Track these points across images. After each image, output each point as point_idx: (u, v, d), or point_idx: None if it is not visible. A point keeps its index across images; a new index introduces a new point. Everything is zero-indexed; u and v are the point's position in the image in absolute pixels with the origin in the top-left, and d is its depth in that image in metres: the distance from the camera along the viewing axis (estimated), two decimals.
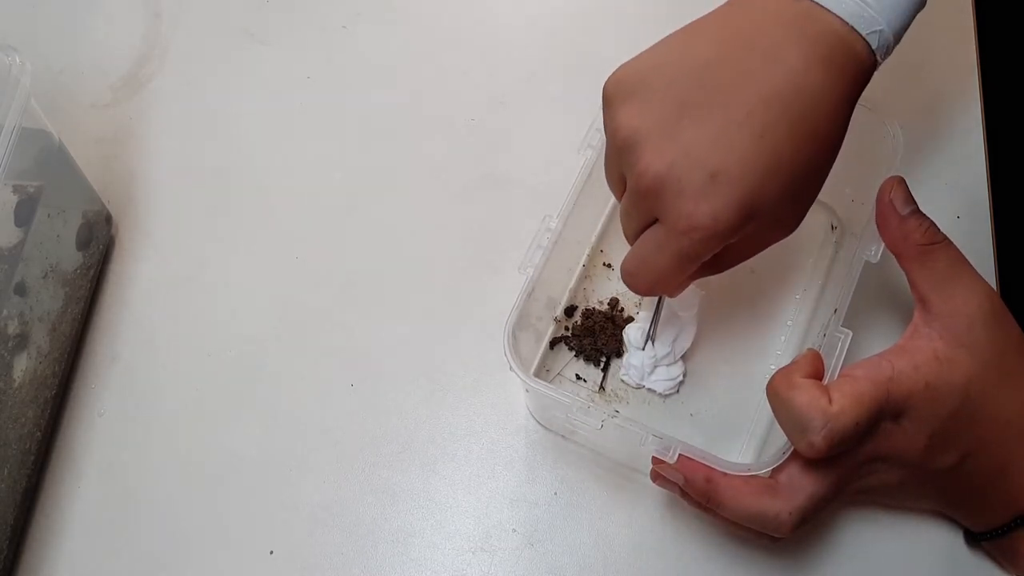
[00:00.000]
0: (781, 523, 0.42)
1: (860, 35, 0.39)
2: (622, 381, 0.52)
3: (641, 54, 0.41)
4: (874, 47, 0.39)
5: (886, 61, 0.41)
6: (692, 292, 0.50)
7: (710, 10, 0.41)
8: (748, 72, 0.38)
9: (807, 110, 0.38)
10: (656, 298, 0.50)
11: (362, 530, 0.51)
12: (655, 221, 0.40)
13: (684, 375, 0.52)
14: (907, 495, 0.47)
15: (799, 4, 0.39)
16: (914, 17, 0.41)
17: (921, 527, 0.49)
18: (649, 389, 0.52)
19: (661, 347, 0.51)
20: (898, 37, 0.40)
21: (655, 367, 0.51)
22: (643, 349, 0.51)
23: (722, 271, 0.44)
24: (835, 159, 0.41)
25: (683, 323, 0.51)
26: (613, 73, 0.41)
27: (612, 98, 0.41)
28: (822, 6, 0.39)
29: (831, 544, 0.49)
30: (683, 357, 0.52)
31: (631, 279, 0.43)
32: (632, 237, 0.42)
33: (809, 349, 0.43)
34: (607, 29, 0.64)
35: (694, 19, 0.41)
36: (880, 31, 0.39)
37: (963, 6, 0.62)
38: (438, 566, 0.50)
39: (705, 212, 0.38)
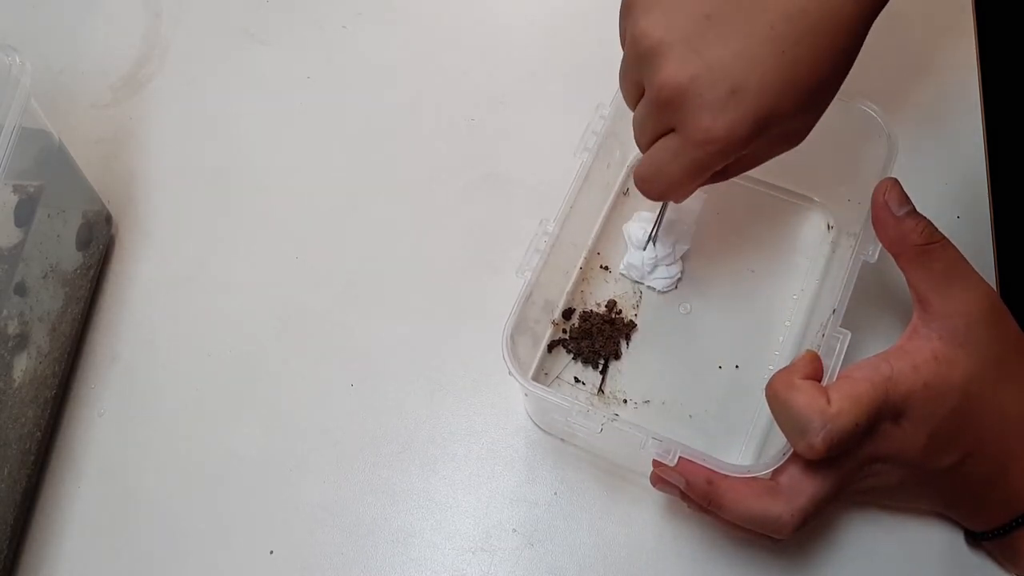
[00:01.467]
0: (782, 524, 0.42)
1: None
2: (621, 275, 0.55)
3: None
4: None
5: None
6: (695, 196, 0.50)
7: None
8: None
9: (828, 26, 0.38)
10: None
11: (362, 530, 0.51)
12: (670, 131, 0.41)
13: (682, 274, 0.54)
14: (907, 495, 0.47)
15: None
16: None
17: (921, 527, 0.49)
18: (648, 287, 0.54)
19: (662, 247, 0.53)
20: None
21: (655, 266, 0.53)
22: (644, 249, 0.53)
23: (727, 179, 0.46)
24: (847, 73, 0.41)
25: (684, 225, 0.54)
26: None
27: (634, 4, 0.41)
28: None
29: (832, 545, 0.49)
30: (682, 257, 0.54)
31: (644, 185, 0.44)
32: (646, 145, 0.43)
33: (807, 350, 0.43)
34: (607, 29, 0.64)
35: None
36: None
37: (963, 6, 0.62)
38: (438, 566, 0.50)
39: (722, 125, 0.39)
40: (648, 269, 0.53)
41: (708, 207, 0.55)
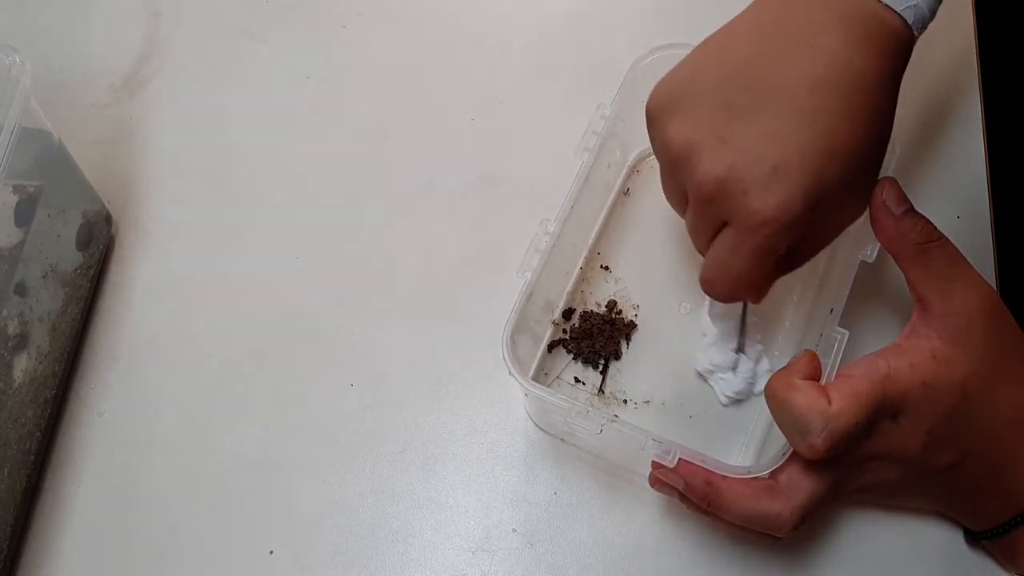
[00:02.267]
0: (782, 523, 0.42)
1: (895, 11, 0.39)
2: (726, 398, 0.51)
3: (678, 66, 0.42)
4: (910, 22, 0.39)
5: None
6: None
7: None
8: (788, 62, 0.39)
9: (854, 89, 0.38)
10: (739, 306, 0.50)
11: (362, 530, 0.51)
12: (723, 226, 0.41)
13: (768, 361, 0.52)
14: (906, 494, 0.47)
15: None
16: None
17: (921, 526, 0.49)
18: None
19: (752, 352, 0.51)
20: (933, 10, 0.41)
21: (756, 375, 0.51)
22: (735, 369, 0.51)
23: (799, 266, 0.44)
24: (890, 133, 0.41)
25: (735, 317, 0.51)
26: (654, 89, 0.42)
27: (657, 114, 0.42)
28: None
29: (831, 544, 0.49)
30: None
31: (711, 287, 0.43)
32: (704, 247, 0.43)
33: (806, 350, 0.43)
34: (607, 29, 0.64)
35: (723, 23, 0.42)
36: (914, 5, 0.39)
37: (963, 6, 0.62)
38: (438, 566, 0.50)
39: (772, 205, 0.38)
40: (748, 381, 0.51)
41: None
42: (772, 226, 0.39)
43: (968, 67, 0.61)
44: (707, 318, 0.52)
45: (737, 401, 0.51)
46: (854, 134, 0.39)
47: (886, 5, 0.39)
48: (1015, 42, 0.69)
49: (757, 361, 0.51)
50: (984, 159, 0.58)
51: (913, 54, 0.62)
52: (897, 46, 0.40)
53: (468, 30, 0.65)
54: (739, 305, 0.50)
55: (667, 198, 0.44)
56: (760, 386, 0.51)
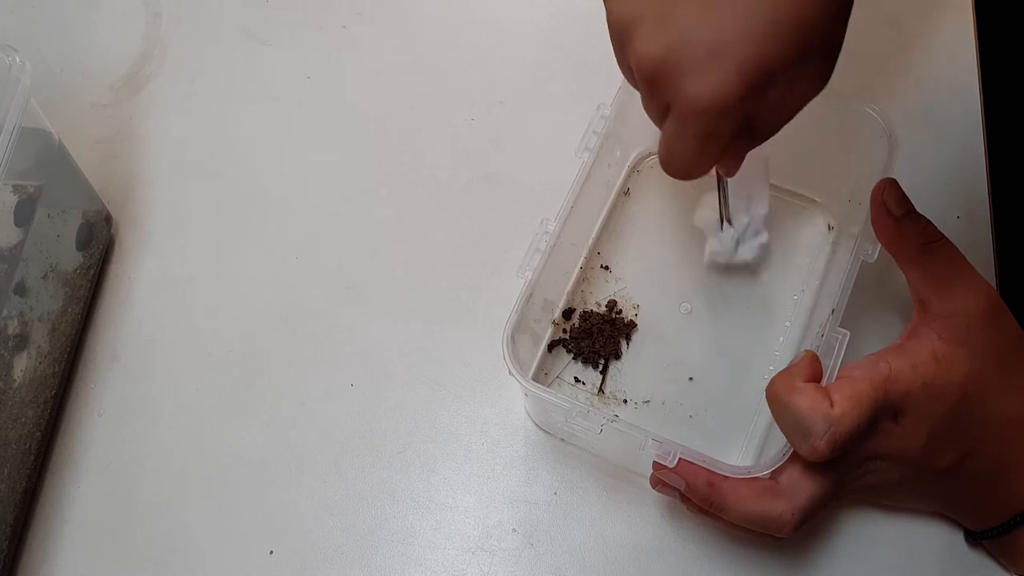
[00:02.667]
0: (784, 523, 0.42)
1: None
2: (710, 263, 0.53)
3: None
4: None
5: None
6: (754, 159, 0.47)
7: None
8: None
9: None
10: (716, 182, 0.50)
11: (362, 530, 0.51)
12: (668, 107, 0.39)
13: (768, 236, 0.53)
14: (906, 494, 0.47)
15: None
16: None
17: (922, 526, 0.49)
18: (741, 264, 0.53)
19: (738, 221, 0.51)
20: None
21: (738, 243, 0.52)
22: (721, 230, 0.52)
23: (767, 138, 0.42)
24: (849, 10, 0.38)
25: (752, 189, 0.51)
26: None
27: None
28: None
29: (832, 544, 0.49)
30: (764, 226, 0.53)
31: (666, 168, 0.41)
32: (658, 124, 0.41)
33: (807, 351, 0.43)
34: (606, 29, 0.64)
35: None
36: None
37: (963, 6, 0.62)
38: (438, 566, 0.50)
39: (707, 90, 0.36)
40: (732, 248, 0.52)
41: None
42: (709, 111, 0.37)
43: (968, 67, 0.61)
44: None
45: (718, 262, 0.53)
46: (801, 7, 0.36)
47: None
48: (1015, 42, 0.69)
49: (744, 229, 0.52)
50: (984, 159, 0.58)
51: (914, 54, 0.62)
52: None
53: (468, 30, 0.65)
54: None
55: (620, 69, 0.42)
56: (741, 255, 0.52)
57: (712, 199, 0.52)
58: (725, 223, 0.51)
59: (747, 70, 0.36)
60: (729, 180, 0.50)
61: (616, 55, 0.41)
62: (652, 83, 0.38)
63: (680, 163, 0.40)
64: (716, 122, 0.37)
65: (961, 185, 0.57)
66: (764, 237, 0.53)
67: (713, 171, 0.47)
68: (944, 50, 0.61)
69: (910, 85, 0.60)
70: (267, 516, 0.51)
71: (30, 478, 0.51)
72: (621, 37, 0.39)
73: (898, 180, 0.44)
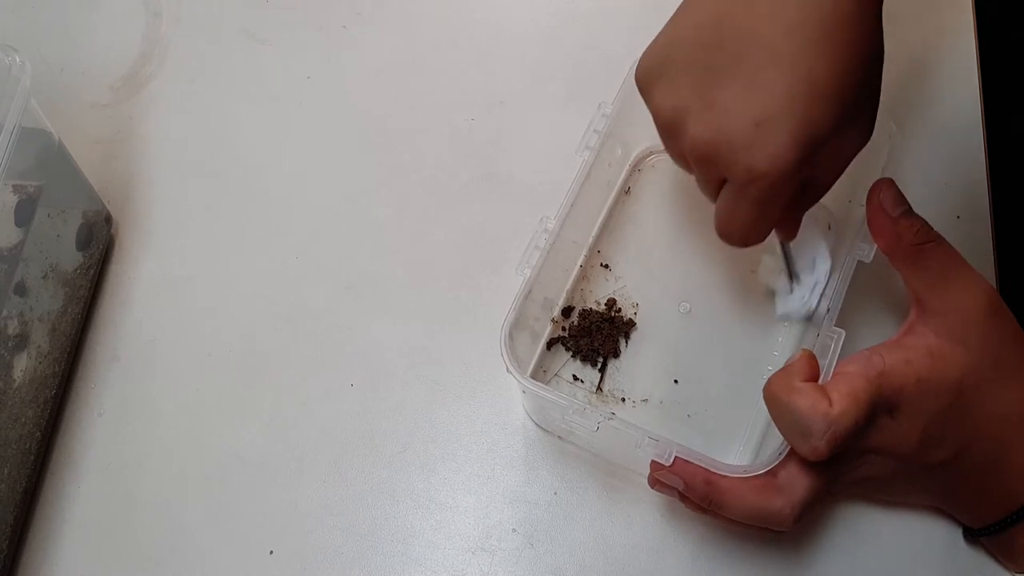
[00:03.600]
0: (783, 518, 0.42)
1: None
2: (787, 317, 0.53)
3: (656, 37, 0.42)
4: None
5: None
6: (812, 216, 0.49)
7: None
8: (759, 10, 0.38)
9: (828, 28, 0.38)
10: (779, 244, 0.51)
11: (362, 530, 0.51)
12: (724, 181, 0.41)
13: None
14: (902, 488, 0.47)
15: None
16: None
17: (921, 523, 0.49)
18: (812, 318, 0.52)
19: (808, 278, 0.52)
20: None
21: (808, 300, 0.52)
22: (792, 291, 0.52)
23: (819, 197, 0.44)
24: (881, 60, 0.40)
25: (815, 246, 0.52)
26: (637, 62, 0.42)
27: (644, 86, 0.42)
28: None
29: (831, 542, 0.49)
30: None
31: (726, 237, 0.43)
32: (712, 199, 0.43)
33: (803, 350, 0.43)
34: (607, 29, 0.64)
35: None
36: None
37: (963, 6, 0.62)
38: (438, 566, 0.50)
39: (762, 160, 0.38)
40: (802, 306, 0.52)
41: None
42: (766, 179, 0.39)
43: (968, 67, 0.61)
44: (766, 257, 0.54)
45: (792, 318, 0.52)
46: (837, 71, 0.38)
47: None
48: (1015, 42, 0.69)
49: (813, 286, 0.52)
50: (984, 159, 0.57)
51: (913, 53, 0.62)
52: None
53: (468, 30, 0.65)
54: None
55: (672, 159, 0.44)
56: (815, 308, 0.52)
57: (773, 256, 0.53)
58: (793, 283, 0.52)
59: (798, 135, 0.38)
60: (789, 246, 0.51)
61: (665, 145, 0.43)
62: (707, 163, 0.40)
63: (740, 231, 0.42)
64: (774, 189, 0.39)
65: (961, 185, 0.57)
66: (820, 290, 0.52)
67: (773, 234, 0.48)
68: (944, 50, 0.61)
69: (910, 85, 0.60)
70: (267, 516, 0.51)
71: (30, 478, 0.52)
72: (669, 130, 0.41)
73: (897, 181, 0.44)
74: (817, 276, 0.52)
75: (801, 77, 0.37)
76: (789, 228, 0.46)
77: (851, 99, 0.39)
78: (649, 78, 0.41)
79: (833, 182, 0.43)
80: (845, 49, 0.38)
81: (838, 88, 0.38)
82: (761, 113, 0.38)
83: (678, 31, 0.41)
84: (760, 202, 0.40)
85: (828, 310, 0.45)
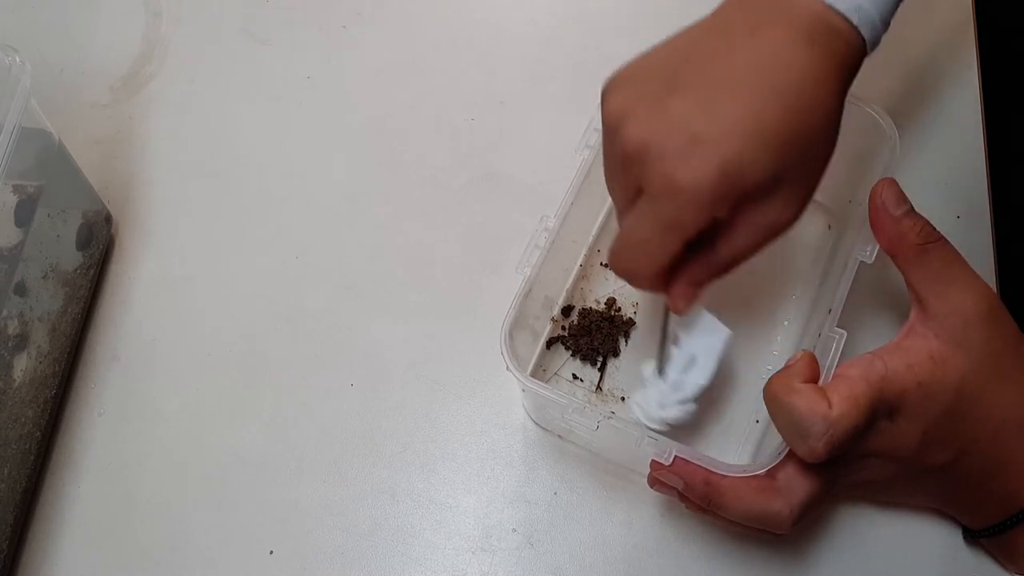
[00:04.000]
0: (782, 520, 0.42)
1: (840, 13, 0.39)
2: (636, 420, 0.47)
3: (637, 57, 0.42)
4: (855, 23, 0.39)
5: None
6: (713, 325, 0.46)
7: (708, 10, 0.42)
8: (733, 49, 0.39)
9: (792, 82, 0.38)
10: (662, 321, 0.48)
11: (362, 530, 0.51)
12: (640, 192, 0.40)
13: (692, 415, 0.47)
14: (902, 490, 0.47)
15: None
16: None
17: (921, 525, 0.49)
18: (654, 428, 0.46)
19: (672, 376, 0.46)
20: (885, 17, 0.41)
21: (662, 403, 0.46)
22: (647, 386, 0.47)
23: (723, 268, 0.42)
24: (831, 146, 0.40)
25: (700, 351, 0.46)
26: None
27: (604, 92, 0.42)
28: None
29: (831, 542, 0.49)
30: (696, 399, 0.46)
31: (614, 257, 0.42)
32: (621, 215, 0.42)
33: (804, 351, 0.43)
34: (606, 29, 0.64)
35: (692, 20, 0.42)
36: (859, 6, 0.39)
37: (963, 6, 0.62)
38: (438, 566, 0.50)
39: (685, 174, 0.37)
40: (652, 405, 0.46)
41: None
42: (681, 195, 0.38)
43: (968, 67, 0.61)
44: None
45: (647, 425, 0.47)
46: (785, 123, 0.38)
47: (830, 6, 0.39)
48: (1015, 42, 0.69)
49: (672, 388, 0.46)
50: (984, 159, 0.58)
51: (913, 54, 0.62)
52: (845, 50, 0.40)
53: (468, 30, 0.65)
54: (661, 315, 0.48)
55: (605, 174, 0.43)
56: (670, 414, 0.46)
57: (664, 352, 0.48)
58: (656, 373, 0.47)
59: (726, 163, 0.37)
60: (679, 332, 0.47)
61: (604, 158, 0.42)
62: (631, 163, 0.39)
63: (632, 249, 0.41)
64: (685, 210, 0.38)
65: (961, 185, 0.57)
66: (691, 407, 0.46)
67: (662, 309, 0.47)
68: (944, 50, 0.61)
69: (910, 85, 0.60)
70: (267, 516, 0.51)
71: (30, 478, 0.51)
72: (610, 128, 0.41)
73: (898, 180, 0.44)
74: (686, 380, 0.46)
75: (749, 114, 0.38)
76: (682, 294, 0.43)
77: (789, 157, 0.39)
78: (611, 85, 0.42)
79: (747, 253, 0.42)
80: (799, 108, 0.38)
81: (780, 139, 0.38)
82: (702, 131, 0.38)
83: (653, 52, 0.42)
84: (664, 222, 0.39)
85: (830, 310, 0.45)
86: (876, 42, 0.41)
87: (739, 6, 0.41)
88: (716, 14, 0.42)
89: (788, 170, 0.39)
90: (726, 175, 0.37)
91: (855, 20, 0.39)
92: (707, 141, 0.37)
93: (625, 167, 0.40)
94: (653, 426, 0.46)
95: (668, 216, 0.39)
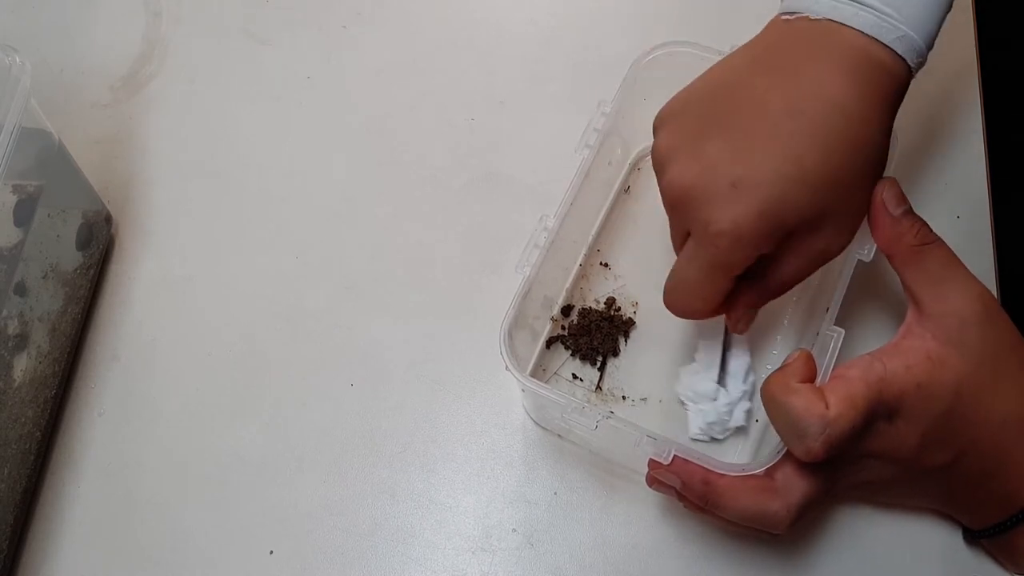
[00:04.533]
0: (779, 521, 0.42)
1: (883, 44, 0.39)
2: (695, 439, 0.49)
3: (686, 86, 0.44)
4: (900, 52, 0.40)
5: None
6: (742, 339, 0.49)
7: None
8: (774, 87, 0.40)
9: (834, 120, 0.39)
10: (721, 337, 0.49)
11: (362, 530, 0.51)
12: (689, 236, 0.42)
13: (751, 405, 0.49)
14: (900, 492, 0.47)
15: (818, 24, 0.40)
16: (944, 17, 0.42)
17: (920, 525, 0.49)
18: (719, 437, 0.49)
19: (734, 387, 0.49)
20: (929, 39, 0.41)
21: (732, 410, 0.49)
22: (716, 399, 0.49)
23: (778, 292, 0.44)
24: (880, 169, 0.41)
25: (741, 352, 0.50)
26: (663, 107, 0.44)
27: (655, 128, 0.44)
28: (841, 23, 0.40)
29: (831, 542, 0.49)
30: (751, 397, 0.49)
31: (668, 297, 0.45)
32: (676, 249, 0.44)
33: (801, 350, 0.43)
34: (606, 29, 0.64)
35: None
36: (903, 36, 0.40)
37: (963, 6, 0.62)
38: (438, 566, 0.50)
39: (727, 217, 0.39)
40: (726, 419, 0.49)
41: None
42: (724, 239, 0.39)
43: (968, 67, 0.61)
44: (700, 343, 0.51)
45: (709, 437, 0.49)
46: (827, 164, 0.39)
47: (873, 38, 0.39)
48: (1015, 42, 0.69)
49: (739, 399, 0.49)
50: (984, 159, 0.57)
51: None
52: (888, 80, 0.40)
53: (468, 30, 0.65)
54: (722, 332, 0.50)
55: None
56: (736, 421, 0.49)
57: (693, 368, 0.50)
58: (720, 388, 0.49)
59: (767, 207, 0.39)
60: (732, 343, 0.50)
61: (660, 188, 0.44)
62: (676, 208, 0.41)
63: (686, 290, 0.43)
64: (730, 252, 0.40)
65: (961, 185, 0.57)
66: (747, 406, 0.49)
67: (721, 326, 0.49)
68: (944, 50, 0.61)
69: (910, 85, 0.60)
70: (267, 516, 0.51)
71: (30, 478, 0.52)
72: (658, 167, 0.43)
73: (897, 180, 0.44)
74: (746, 388, 0.49)
75: (789, 158, 0.39)
76: (741, 317, 0.46)
77: (833, 194, 0.40)
78: (661, 121, 0.43)
79: (798, 278, 0.43)
80: (842, 146, 0.39)
81: (822, 179, 0.39)
82: (741, 176, 0.39)
83: (701, 83, 0.43)
84: (711, 265, 0.41)
85: (828, 309, 0.45)
86: (922, 65, 0.42)
87: (783, 35, 0.42)
88: (761, 42, 0.43)
89: (833, 206, 0.40)
90: (766, 217, 0.39)
91: (900, 50, 0.40)
92: (746, 186, 0.39)
93: (670, 211, 0.42)
94: (716, 436, 0.49)
95: (713, 259, 0.41)
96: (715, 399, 0.49)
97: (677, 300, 0.44)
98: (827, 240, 0.42)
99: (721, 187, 0.39)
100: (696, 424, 0.49)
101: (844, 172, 0.40)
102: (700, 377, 0.50)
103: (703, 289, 0.42)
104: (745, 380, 0.50)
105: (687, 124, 0.42)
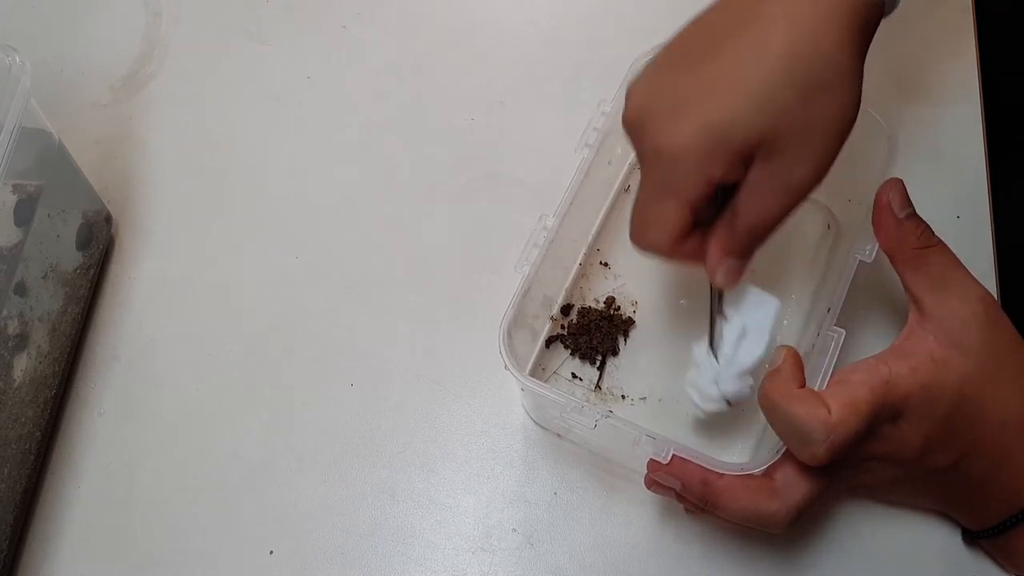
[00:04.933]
0: (778, 521, 0.42)
1: None
2: (697, 409, 0.47)
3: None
4: None
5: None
6: (761, 298, 0.46)
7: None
8: (725, 18, 0.40)
9: (783, 38, 0.38)
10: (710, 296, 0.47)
11: (362, 530, 0.51)
12: None
13: (752, 388, 0.46)
14: (902, 492, 0.47)
15: None
16: None
17: (920, 525, 0.49)
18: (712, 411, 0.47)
19: (727, 352, 0.46)
20: None
21: (717, 382, 0.46)
22: (701, 368, 0.47)
23: (750, 234, 0.41)
24: (847, 101, 0.39)
25: (758, 325, 0.46)
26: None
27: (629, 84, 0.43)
28: None
29: (831, 542, 0.49)
30: (752, 372, 0.46)
31: (630, 230, 0.43)
32: None
33: (785, 349, 0.43)
34: (606, 29, 0.64)
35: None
36: None
37: (963, 6, 0.62)
38: (438, 566, 0.50)
39: (670, 137, 0.38)
40: (709, 382, 0.46)
41: None
42: (664, 156, 0.38)
43: (968, 67, 0.61)
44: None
45: (704, 412, 0.47)
46: (778, 79, 0.37)
47: None
48: (1015, 42, 0.69)
49: (727, 366, 0.46)
50: (984, 159, 0.57)
51: (914, 55, 0.62)
52: (861, 11, 0.39)
53: (468, 30, 0.65)
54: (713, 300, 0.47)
55: None
56: (726, 389, 0.46)
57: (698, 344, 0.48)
58: (709, 353, 0.46)
59: (708, 124, 0.38)
60: (727, 310, 0.47)
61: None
62: (630, 135, 0.41)
63: (640, 219, 0.42)
64: (677, 172, 0.39)
65: (961, 185, 0.57)
66: (749, 381, 0.46)
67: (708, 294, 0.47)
68: (944, 50, 0.61)
69: (910, 85, 0.60)
70: (267, 516, 0.51)
71: (30, 478, 0.51)
72: (625, 107, 0.42)
73: (902, 181, 0.44)
74: (740, 354, 0.46)
75: (737, 74, 0.38)
76: (718, 265, 0.42)
77: (791, 117, 0.38)
78: (636, 74, 0.43)
79: (768, 218, 0.40)
80: (786, 60, 0.38)
81: (767, 96, 0.37)
82: (685, 95, 0.38)
83: (673, 37, 0.43)
84: (659, 187, 0.40)
85: (829, 309, 0.45)
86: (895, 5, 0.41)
87: None
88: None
89: (792, 127, 0.38)
90: (707, 134, 0.38)
91: None
92: (689, 106, 0.38)
93: (628, 136, 0.41)
94: (710, 407, 0.46)
95: (660, 182, 0.40)
96: (701, 367, 0.47)
97: (635, 230, 0.42)
98: (789, 167, 0.39)
99: (666, 108, 0.39)
100: (693, 397, 0.47)
101: (800, 89, 0.37)
102: (695, 346, 0.48)
103: (656, 215, 0.40)
104: (739, 345, 0.46)
105: (654, 68, 0.42)
